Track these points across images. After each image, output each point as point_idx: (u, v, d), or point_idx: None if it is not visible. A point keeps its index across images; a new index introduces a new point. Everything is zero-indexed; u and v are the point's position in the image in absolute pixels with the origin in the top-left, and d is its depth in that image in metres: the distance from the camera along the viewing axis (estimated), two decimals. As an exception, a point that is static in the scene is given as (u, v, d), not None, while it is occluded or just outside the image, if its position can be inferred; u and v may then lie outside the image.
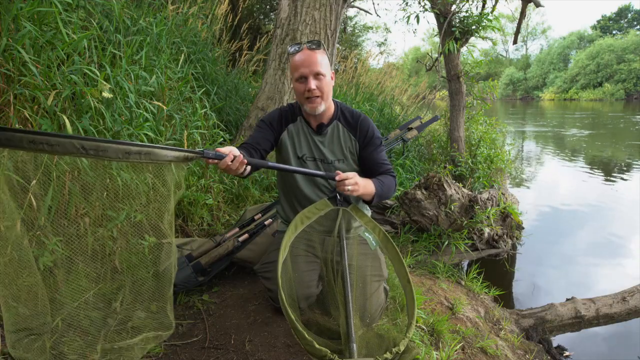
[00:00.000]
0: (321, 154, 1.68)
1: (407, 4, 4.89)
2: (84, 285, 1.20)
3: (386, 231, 2.71)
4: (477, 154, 4.26)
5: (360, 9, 7.60)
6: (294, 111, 1.72)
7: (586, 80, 38.49)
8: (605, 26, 45.52)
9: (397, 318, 1.71)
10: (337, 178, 1.52)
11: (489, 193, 2.81)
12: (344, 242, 1.54)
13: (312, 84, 1.55)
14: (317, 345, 1.12)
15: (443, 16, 4.21)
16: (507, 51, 54.02)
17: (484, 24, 4.18)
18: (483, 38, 4.37)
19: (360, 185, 1.52)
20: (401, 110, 6.39)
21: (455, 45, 4.08)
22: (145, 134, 2.08)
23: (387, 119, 5.32)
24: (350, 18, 10.46)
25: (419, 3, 4.49)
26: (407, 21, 4.41)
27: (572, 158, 8.10)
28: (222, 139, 2.97)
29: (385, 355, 1.17)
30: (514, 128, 13.70)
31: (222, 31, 4.89)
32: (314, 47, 1.56)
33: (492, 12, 4.23)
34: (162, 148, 1.08)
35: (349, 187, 1.49)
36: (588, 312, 2.26)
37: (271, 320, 1.75)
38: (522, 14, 4.60)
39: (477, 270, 2.55)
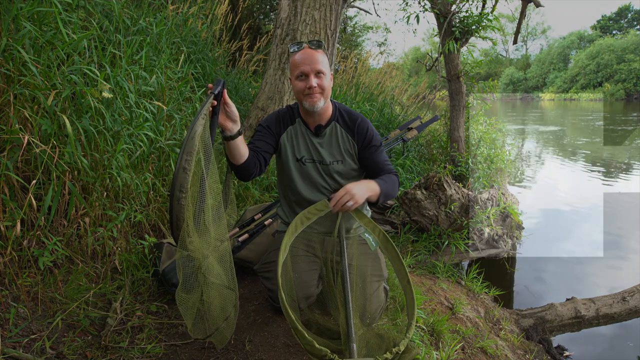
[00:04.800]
0: (319, 155, 1.67)
1: (407, 4, 4.87)
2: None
3: (386, 231, 2.71)
4: (477, 154, 4.26)
5: (360, 9, 7.58)
6: (293, 113, 1.70)
7: (586, 80, 38.49)
8: (605, 26, 45.52)
9: (397, 318, 1.71)
10: (331, 205, 1.54)
11: (489, 193, 2.81)
12: (344, 242, 1.54)
13: (313, 81, 1.53)
14: (317, 345, 1.12)
15: (443, 16, 4.20)
16: (507, 51, 54.15)
17: (484, 24, 4.17)
18: (483, 38, 4.36)
19: (358, 194, 1.51)
20: (401, 110, 6.37)
21: (455, 45, 4.07)
22: (145, 134, 2.08)
23: (387, 119, 5.31)
24: (350, 18, 10.45)
25: (419, 3, 4.49)
26: (407, 21, 4.41)
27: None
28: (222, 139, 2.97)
29: (385, 355, 1.17)
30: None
31: (222, 31, 4.89)
32: (314, 46, 1.56)
33: (492, 12, 4.23)
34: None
35: (349, 203, 1.50)
36: (588, 312, 2.26)
37: (271, 320, 1.75)
38: (522, 14, 4.60)
39: (477, 270, 2.55)
